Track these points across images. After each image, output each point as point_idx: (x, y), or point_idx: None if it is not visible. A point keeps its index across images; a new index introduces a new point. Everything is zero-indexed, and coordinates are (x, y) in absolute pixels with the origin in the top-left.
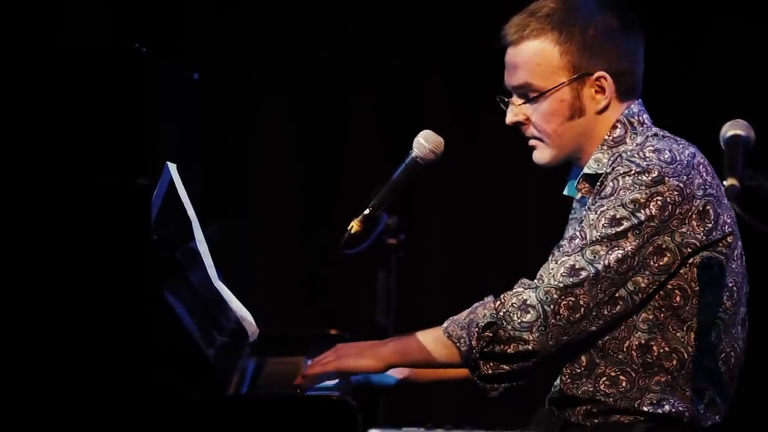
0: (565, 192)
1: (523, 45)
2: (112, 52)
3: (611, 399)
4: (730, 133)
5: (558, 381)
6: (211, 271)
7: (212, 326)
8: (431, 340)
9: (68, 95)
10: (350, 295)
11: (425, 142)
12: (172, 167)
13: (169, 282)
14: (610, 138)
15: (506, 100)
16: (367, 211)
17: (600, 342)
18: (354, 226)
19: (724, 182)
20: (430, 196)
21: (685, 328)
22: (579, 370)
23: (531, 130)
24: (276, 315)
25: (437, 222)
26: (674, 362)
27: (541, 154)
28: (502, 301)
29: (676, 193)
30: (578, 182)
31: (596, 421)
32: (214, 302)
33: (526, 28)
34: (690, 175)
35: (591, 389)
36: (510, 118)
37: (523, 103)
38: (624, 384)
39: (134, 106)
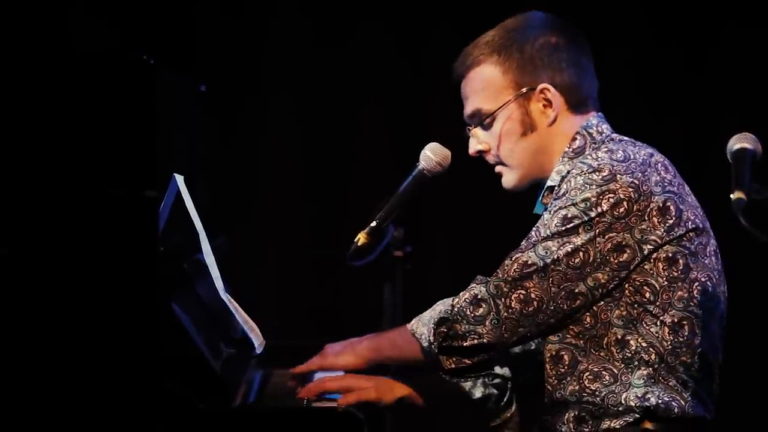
0: (535, 210)
1: (469, 75)
2: (120, 63)
3: (598, 397)
4: (737, 146)
5: (546, 386)
6: (218, 282)
7: (219, 337)
8: (400, 336)
9: (78, 107)
10: (357, 307)
11: (432, 155)
12: (179, 179)
13: (176, 293)
14: (570, 149)
15: (468, 132)
16: (374, 224)
17: (581, 342)
18: (361, 238)
19: (731, 195)
20: (437, 208)
21: (658, 323)
22: (563, 370)
23: (492, 156)
24: (283, 327)
25: (444, 234)
26: (653, 356)
27: (507, 178)
28: (458, 297)
29: (631, 189)
30: (543, 195)
31: (586, 430)
32: (221, 314)
33: (469, 57)
34: (646, 173)
35: (577, 388)
36: (472, 148)
37: (476, 126)
38: (607, 378)
39: (143, 117)
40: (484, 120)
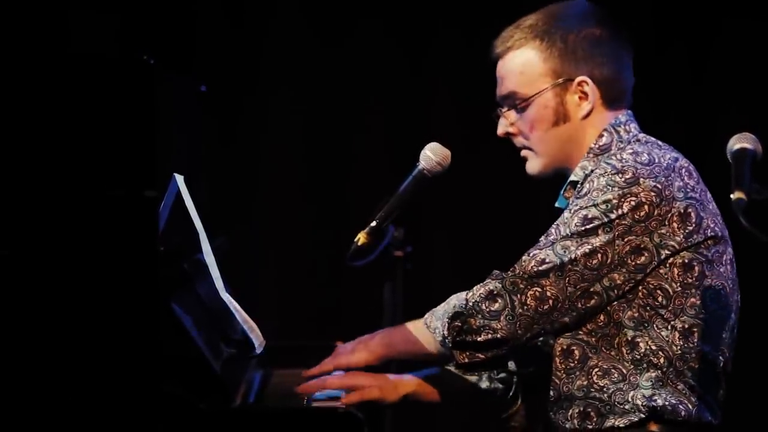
0: (557, 204)
1: (508, 56)
2: (120, 64)
3: (606, 394)
4: (737, 146)
5: (553, 380)
6: (218, 282)
7: (219, 338)
8: (413, 331)
9: (78, 107)
10: (357, 307)
11: (432, 155)
12: (179, 179)
13: (176, 293)
14: (596, 146)
15: (498, 113)
16: (374, 224)
17: (593, 339)
18: (361, 238)
19: (731, 195)
20: (437, 207)
21: (669, 328)
22: (573, 364)
23: (520, 140)
24: (283, 327)
25: (444, 234)
26: (662, 359)
27: (532, 164)
28: (473, 291)
29: (653, 194)
30: (565, 190)
31: (590, 427)
32: (221, 314)
33: (510, 39)
34: (669, 178)
35: (585, 383)
36: (501, 129)
37: (509, 110)
38: (616, 375)
39: (143, 118)
40: (518, 104)
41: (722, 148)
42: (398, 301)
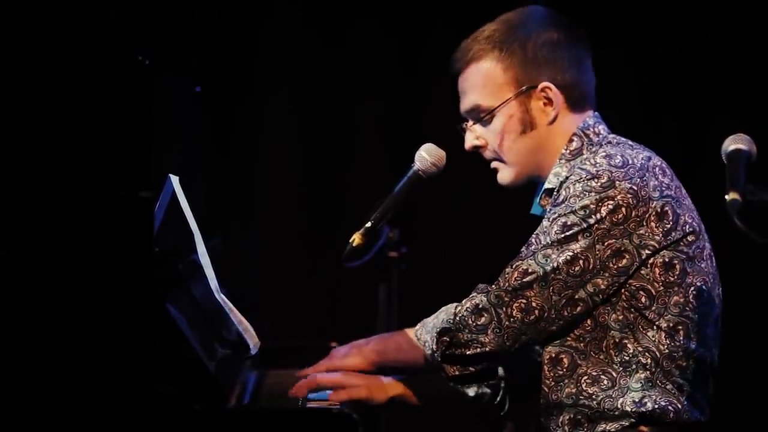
0: (532, 211)
1: (468, 69)
2: (117, 64)
3: (595, 401)
4: (732, 147)
5: (542, 388)
6: (213, 283)
7: (214, 338)
8: (405, 341)
9: (74, 107)
10: (351, 308)
11: (427, 156)
12: (175, 179)
13: (171, 294)
14: (567, 151)
15: (464, 127)
16: (368, 224)
17: (581, 344)
18: (356, 239)
19: (726, 196)
20: (431, 208)
21: (654, 328)
22: (561, 372)
23: (489, 152)
24: (278, 327)
25: (439, 235)
26: (650, 360)
27: (503, 175)
28: (460, 306)
29: (629, 196)
30: (540, 197)
31: None
32: (216, 314)
33: (469, 52)
34: (644, 178)
35: (574, 391)
36: (468, 143)
37: (475, 123)
38: (606, 382)
39: (139, 118)
40: (483, 116)
41: (717, 149)
42: (393, 302)
